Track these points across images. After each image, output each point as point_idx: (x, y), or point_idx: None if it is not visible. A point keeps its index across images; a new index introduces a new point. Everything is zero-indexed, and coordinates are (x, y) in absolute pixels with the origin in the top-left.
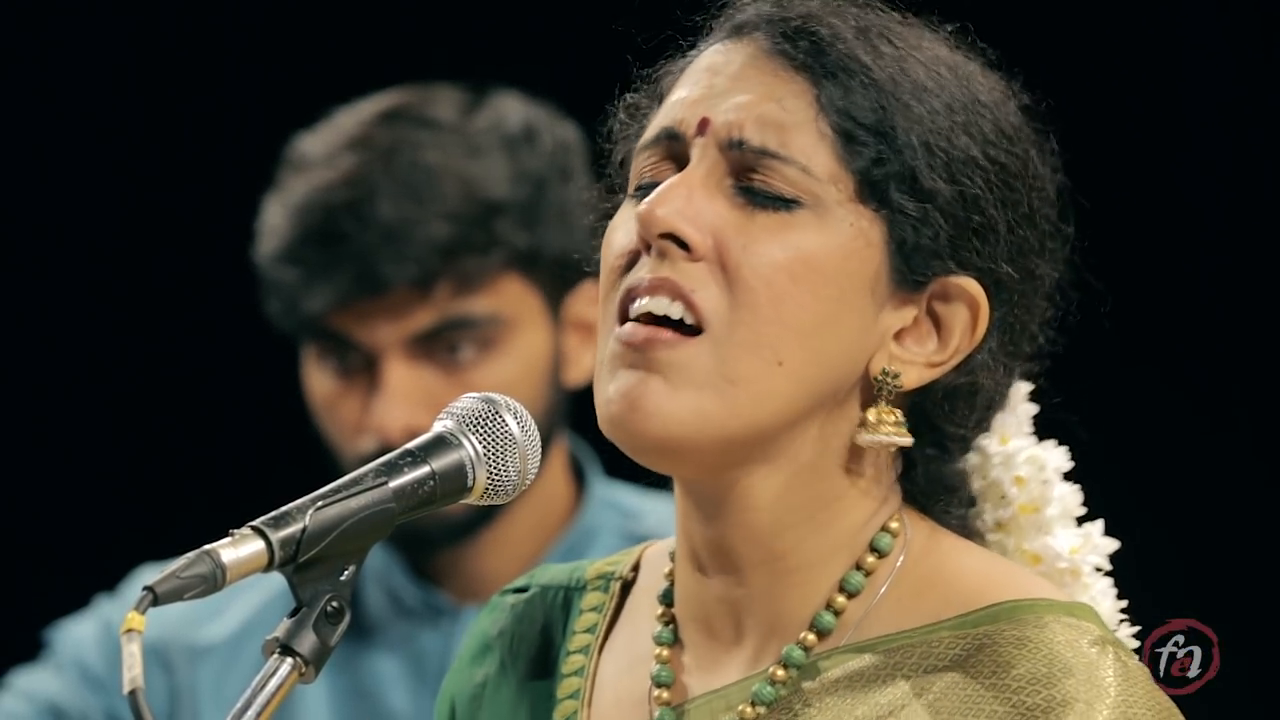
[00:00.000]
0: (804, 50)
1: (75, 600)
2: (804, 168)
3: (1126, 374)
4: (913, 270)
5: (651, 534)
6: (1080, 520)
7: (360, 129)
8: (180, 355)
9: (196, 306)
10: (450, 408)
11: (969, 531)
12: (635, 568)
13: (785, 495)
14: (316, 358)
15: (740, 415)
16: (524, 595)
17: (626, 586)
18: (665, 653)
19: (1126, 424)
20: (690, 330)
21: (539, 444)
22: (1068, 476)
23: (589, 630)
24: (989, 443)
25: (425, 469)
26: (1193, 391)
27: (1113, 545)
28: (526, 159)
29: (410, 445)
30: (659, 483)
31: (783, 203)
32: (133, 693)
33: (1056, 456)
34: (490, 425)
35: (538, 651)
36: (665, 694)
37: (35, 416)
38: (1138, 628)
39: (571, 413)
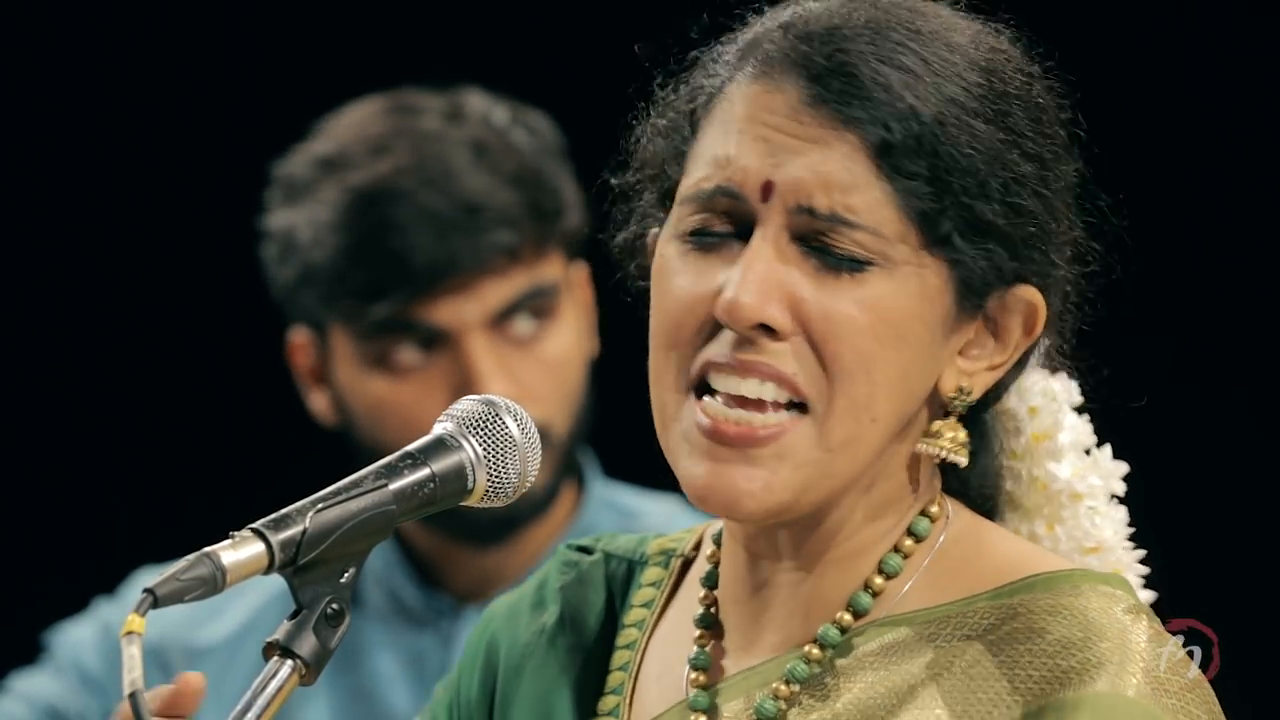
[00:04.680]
0: (847, 97)
1: (74, 602)
2: (874, 231)
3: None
4: (977, 298)
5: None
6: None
7: (378, 124)
8: (180, 356)
9: (196, 307)
10: (450, 410)
11: (988, 469)
12: (697, 546)
13: (845, 501)
14: (372, 359)
15: (837, 475)
16: (589, 558)
17: (687, 564)
18: (703, 635)
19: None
20: (789, 406)
21: (539, 446)
22: (1080, 411)
23: (646, 605)
24: None
25: (425, 471)
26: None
27: (1122, 469)
28: (524, 143)
29: (410, 447)
30: (657, 483)
31: (855, 264)
32: (133, 695)
33: (1068, 389)
34: (490, 427)
35: (595, 618)
36: (701, 676)
37: (34, 418)
38: (1146, 569)
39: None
